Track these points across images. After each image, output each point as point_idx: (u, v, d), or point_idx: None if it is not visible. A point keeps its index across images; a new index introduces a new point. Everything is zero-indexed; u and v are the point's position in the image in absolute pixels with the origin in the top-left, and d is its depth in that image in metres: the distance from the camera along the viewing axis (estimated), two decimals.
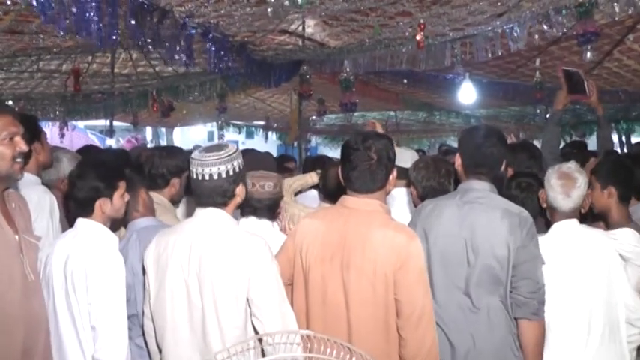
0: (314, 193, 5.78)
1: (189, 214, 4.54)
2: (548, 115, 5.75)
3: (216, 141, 16.36)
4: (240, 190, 3.31)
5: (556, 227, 3.84)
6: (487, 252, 3.47)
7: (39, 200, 4.09)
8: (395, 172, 3.46)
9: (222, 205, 3.27)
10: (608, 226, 4.25)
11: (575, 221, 3.82)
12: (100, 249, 3.46)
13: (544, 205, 3.93)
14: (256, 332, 3.17)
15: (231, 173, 3.21)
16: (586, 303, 3.70)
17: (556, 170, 3.81)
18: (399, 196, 4.83)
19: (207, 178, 3.19)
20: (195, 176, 3.23)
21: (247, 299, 3.15)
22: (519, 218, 3.50)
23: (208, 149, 3.26)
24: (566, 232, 3.81)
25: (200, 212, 3.31)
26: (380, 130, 5.19)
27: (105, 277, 3.37)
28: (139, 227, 3.86)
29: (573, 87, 5.42)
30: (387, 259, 3.20)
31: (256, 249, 3.18)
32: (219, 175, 3.19)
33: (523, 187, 4.22)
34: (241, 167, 3.29)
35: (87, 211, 3.57)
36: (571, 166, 3.83)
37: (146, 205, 3.98)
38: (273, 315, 3.13)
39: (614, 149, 5.85)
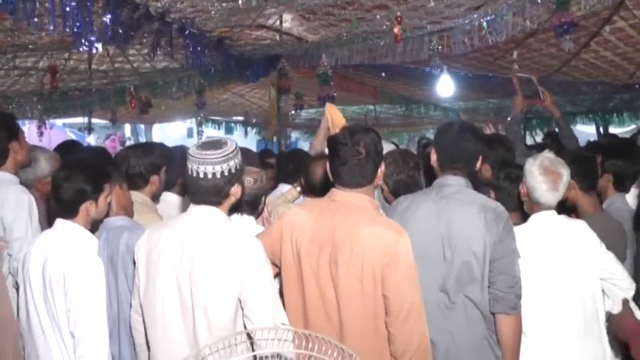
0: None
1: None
2: (509, 119, 5.86)
3: (195, 137, 16.31)
4: (235, 190, 3.26)
5: (535, 218, 3.85)
6: (464, 248, 3.48)
7: (17, 200, 4.04)
8: (383, 166, 3.45)
9: (216, 203, 3.23)
10: (579, 216, 4.29)
11: (553, 212, 3.84)
12: (79, 253, 3.42)
13: (524, 199, 3.92)
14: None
15: (226, 173, 3.16)
16: (564, 295, 3.72)
17: (538, 165, 3.79)
18: None
19: (201, 176, 3.14)
20: (190, 172, 3.18)
21: (239, 300, 3.12)
22: (495, 213, 3.51)
23: (206, 146, 3.19)
24: (546, 222, 3.82)
25: (194, 209, 3.26)
26: (336, 111, 5.17)
27: (83, 284, 3.34)
28: (109, 227, 3.79)
29: (527, 92, 5.56)
30: (375, 256, 3.18)
31: (250, 250, 3.15)
32: (214, 174, 3.13)
33: (512, 178, 4.19)
34: (238, 167, 3.24)
35: (71, 212, 3.52)
36: (551, 157, 3.83)
37: (120, 204, 3.90)
38: (265, 317, 3.09)
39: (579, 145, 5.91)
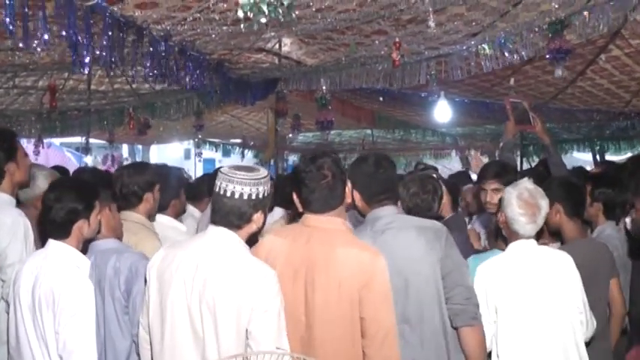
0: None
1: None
2: (500, 145, 5.83)
3: (192, 159, 16.37)
4: (258, 217, 3.21)
5: (514, 247, 3.84)
6: (413, 274, 3.47)
7: (12, 224, 3.94)
8: (350, 185, 3.46)
9: (236, 227, 3.18)
10: (562, 242, 4.32)
11: (533, 241, 3.83)
12: (70, 275, 3.36)
13: (503, 226, 3.92)
14: None
15: (253, 197, 3.13)
16: (542, 324, 3.71)
17: (517, 197, 3.77)
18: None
19: (228, 194, 3.11)
20: (217, 189, 3.15)
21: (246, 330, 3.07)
22: (433, 231, 3.54)
23: (240, 167, 3.19)
24: (525, 251, 3.81)
25: (212, 230, 3.22)
26: None
27: (73, 306, 3.30)
28: (97, 249, 3.75)
29: (520, 118, 5.55)
30: (352, 278, 3.17)
31: (263, 280, 3.08)
32: (242, 195, 3.11)
33: None
34: (266, 194, 3.21)
35: (63, 233, 3.48)
36: (530, 187, 3.81)
37: (109, 225, 3.86)
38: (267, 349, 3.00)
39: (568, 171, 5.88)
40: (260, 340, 3.01)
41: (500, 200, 3.93)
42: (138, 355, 3.51)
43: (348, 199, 3.48)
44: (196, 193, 6.36)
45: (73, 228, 3.47)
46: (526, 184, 3.84)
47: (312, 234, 3.31)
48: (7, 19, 3.90)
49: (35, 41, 4.35)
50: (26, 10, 4.03)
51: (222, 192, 3.13)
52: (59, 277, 3.34)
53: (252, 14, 3.61)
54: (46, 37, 4.27)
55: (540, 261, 3.80)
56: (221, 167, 3.25)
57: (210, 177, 6.33)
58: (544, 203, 3.77)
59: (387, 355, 3.19)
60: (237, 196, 3.11)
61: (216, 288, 3.05)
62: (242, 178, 3.11)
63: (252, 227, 3.22)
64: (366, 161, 3.73)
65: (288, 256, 3.31)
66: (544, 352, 3.70)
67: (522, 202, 3.74)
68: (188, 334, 3.11)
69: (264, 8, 3.69)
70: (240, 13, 3.70)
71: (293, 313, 3.22)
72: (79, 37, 4.39)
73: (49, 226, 3.49)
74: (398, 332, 3.39)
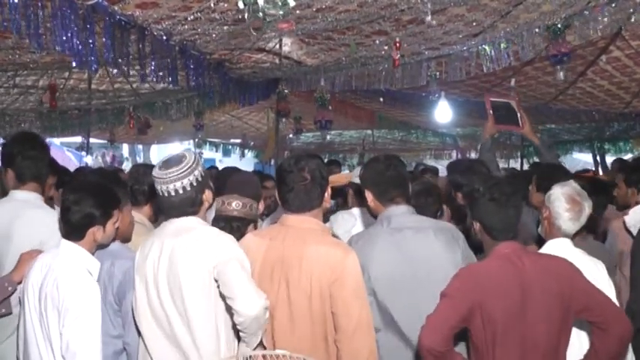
0: None
1: None
2: (479, 147, 5.73)
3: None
4: (207, 195, 3.39)
5: (552, 244, 3.80)
6: (431, 273, 3.52)
7: (53, 223, 3.89)
8: (329, 190, 3.54)
9: (193, 213, 3.34)
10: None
11: (569, 241, 3.81)
12: (77, 276, 3.35)
13: (545, 222, 3.89)
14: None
15: (194, 183, 3.27)
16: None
17: (564, 193, 3.78)
18: (359, 215, 4.85)
19: (173, 193, 3.25)
20: (161, 193, 3.29)
21: (218, 287, 3.20)
22: (449, 232, 3.63)
23: (167, 164, 3.29)
24: (561, 250, 3.75)
25: (173, 220, 3.36)
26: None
27: (78, 307, 3.27)
28: (101, 250, 3.72)
29: (504, 117, 5.40)
30: (322, 274, 3.25)
31: (223, 242, 3.27)
32: (184, 188, 3.25)
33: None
34: (203, 174, 3.35)
35: (77, 235, 3.47)
36: (577, 187, 3.82)
37: (122, 227, 3.83)
38: (242, 288, 3.13)
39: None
40: (229, 283, 3.15)
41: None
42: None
43: (326, 203, 3.55)
44: None
45: (87, 232, 3.47)
46: (574, 184, 3.87)
47: (287, 233, 3.42)
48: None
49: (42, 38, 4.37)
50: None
51: (166, 194, 3.28)
52: (66, 278, 3.33)
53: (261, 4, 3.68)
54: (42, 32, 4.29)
55: (575, 262, 3.77)
56: (153, 171, 3.35)
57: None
58: (587, 204, 3.78)
59: (357, 349, 3.24)
60: (181, 191, 3.26)
61: (180, 256, 3.23)
62: (177, 174, 3.25)
63: (205, 206, 3.42)
64: (377, 160, 3.83)
65: (265, 256, 3.42)
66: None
67: (570, 199, 3.76)
68: (160, 309, 3.29)
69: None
70: (241, 4, 3.76)
71: (274, 309, 3.32)
72: (81, 37, 4.41)
73: (64, 225, 3.50)
74: (412, 332, 3.44)
